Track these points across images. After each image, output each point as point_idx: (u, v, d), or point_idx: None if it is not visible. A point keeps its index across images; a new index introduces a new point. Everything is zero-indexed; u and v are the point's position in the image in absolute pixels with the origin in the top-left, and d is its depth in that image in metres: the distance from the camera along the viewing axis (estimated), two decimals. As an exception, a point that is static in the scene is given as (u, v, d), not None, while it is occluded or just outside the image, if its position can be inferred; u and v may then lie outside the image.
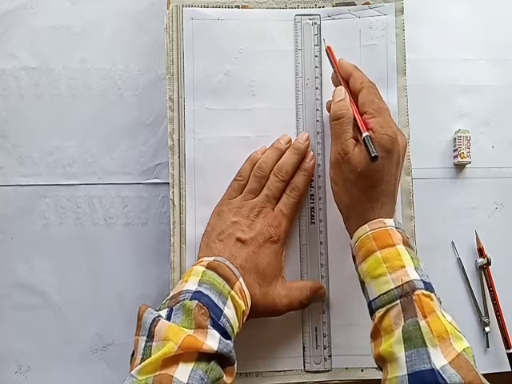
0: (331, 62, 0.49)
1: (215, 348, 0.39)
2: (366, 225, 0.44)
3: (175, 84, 0.52)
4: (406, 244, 0.44)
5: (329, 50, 0.50)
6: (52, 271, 0.55)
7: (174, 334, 0.39)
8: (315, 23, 0.52)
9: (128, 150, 0.56)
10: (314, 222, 0.52)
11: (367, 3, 0.52)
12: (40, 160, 0.56)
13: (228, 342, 0.41)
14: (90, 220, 0.56)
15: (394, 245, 0.43)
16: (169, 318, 0.40)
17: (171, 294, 0.44)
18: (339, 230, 0.51)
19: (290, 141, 0.51)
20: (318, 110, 0.52)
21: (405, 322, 0.40)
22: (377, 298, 0.42)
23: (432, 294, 0.42)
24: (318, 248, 0.52)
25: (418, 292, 0.41)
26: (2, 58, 0.56)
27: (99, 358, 0.55)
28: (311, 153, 0.51)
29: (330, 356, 0.51)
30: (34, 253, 0.55)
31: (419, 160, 0.56)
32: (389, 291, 0.41)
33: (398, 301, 0.41)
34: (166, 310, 0.41)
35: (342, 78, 0.48)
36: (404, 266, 0.42)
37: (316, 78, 0.52)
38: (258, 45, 0.52)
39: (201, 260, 0.46)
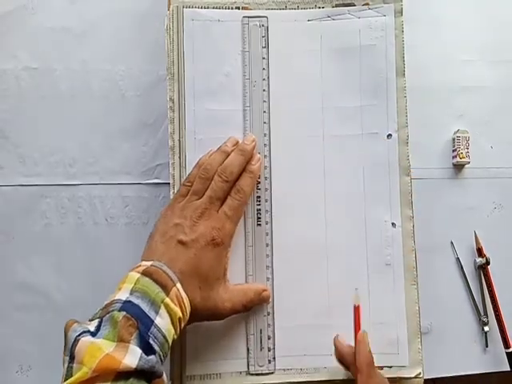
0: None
1: (134, 366, 0.38)
2: None
3: (176, 85, 0.52)
4: None
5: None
6: (53, 271, 0.55)
7: (90, 355, 0.37)
8: (262, 25, 0.52)
9: (129, 151, 0.56)
10: (260, 224, 0.51)
11: (366, 4, 0.52)
12: (41, 160, 0.56)
13: (150, 358, 0.39)
14: (91, 220, 0.56)
15: None
16: (98, 329, 0.40)
17: (105, 303, 0.42)
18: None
19: (237, 143, 0.50)
20: (265, 112, 0.52)
21: None
22: None
23: None
24: (264, 250, 0.51)
25: None
26: (2, 58, 0.56)
27: (100, 357, 0.55)
28: (257, 155, 0.50)
29: (274, 358, 0.50)
30: (35, 253, 0.55)
31: (418, 160, 0.56)
32: None
33: None
34: (97, 320, 0.40)
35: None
36: None
37: (263, 80, 0.52)
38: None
39: (138, 265, 0.45)
